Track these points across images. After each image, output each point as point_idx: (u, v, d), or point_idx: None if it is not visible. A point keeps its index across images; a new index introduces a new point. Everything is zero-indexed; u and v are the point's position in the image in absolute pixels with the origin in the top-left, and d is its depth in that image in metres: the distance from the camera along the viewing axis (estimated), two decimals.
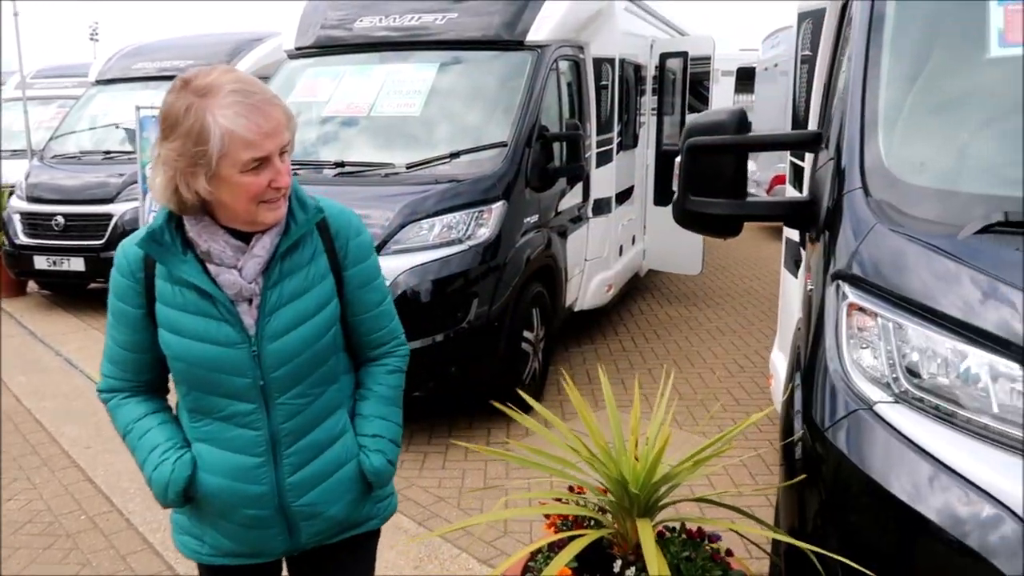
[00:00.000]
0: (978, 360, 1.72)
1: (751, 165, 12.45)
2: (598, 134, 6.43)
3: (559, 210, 5.74)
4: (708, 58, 7.72)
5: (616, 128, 6.84)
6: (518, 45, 5.47)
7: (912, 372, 1.82)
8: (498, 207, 4.76)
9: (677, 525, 2.31)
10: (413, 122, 5.32)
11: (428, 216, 4.62)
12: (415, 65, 5.63)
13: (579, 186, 6.10)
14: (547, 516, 2.33)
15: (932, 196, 2.10)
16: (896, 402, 1.81)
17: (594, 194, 6.45)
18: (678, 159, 2.65)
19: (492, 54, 5.53)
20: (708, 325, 7.56)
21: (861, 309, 1.97)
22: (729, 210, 2.58)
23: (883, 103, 2.33)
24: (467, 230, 4.65)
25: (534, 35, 5.46)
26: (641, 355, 6.68)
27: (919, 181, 2.16)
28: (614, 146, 6.77)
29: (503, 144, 5.03)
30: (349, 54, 5.93)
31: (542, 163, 5.24)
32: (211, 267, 1.67)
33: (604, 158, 6.59)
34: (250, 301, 1.69)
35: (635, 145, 7.76)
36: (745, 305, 8.28)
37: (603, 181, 6.57)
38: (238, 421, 1.72)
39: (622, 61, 6.85)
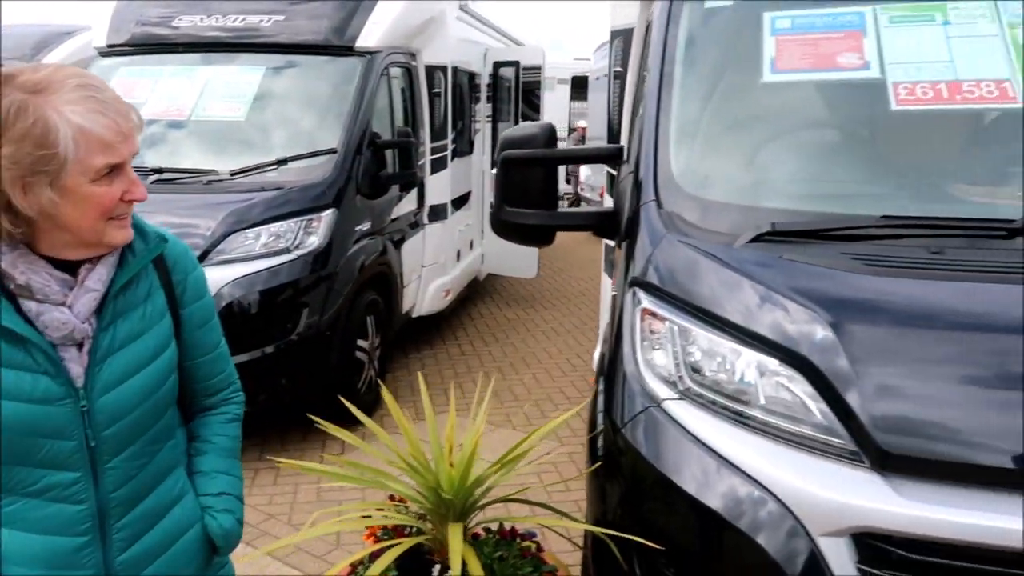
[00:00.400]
0: (748, 358, 1.91)
1: (587, 171, 12.97)
2: (432, 141, 6.48)
3: (393, 217, 5.74)
4: (539, 68, 7.98)
5: (451, 135, 6.92)
6: (347, 51, 5.42)
7: (695, 371, 1.99)
8: (328, 215, 4.69)
9: (495, 526, 2.39)
10: (238, 127, 5.14)
11: (254, 225, 4.48)
12: (240, 68, 5.44)
13: (414, 193, 6.13)
14: (368, 527, 2.35)
15: (715, 208, 2.31)
16: (681, 399, 1.98)
17: (429, 200, 6.50)
18: (493, 171, 2.75)
19: (321, 59, 5.44)
20: (544, 326, 7.80)
21: (653, 314, 2.13)
22: (541, 220, 2.71)
23: (674, 121, 2.53)
24: (295, 239, 4.55)
25: (364, 41, 5.42)
26: (479, 358, 6.80)
27: (704, 194, 2.36)
28: (449, 153, 6.85)
29: (332, 151, 4.97)
30: (168, 54, 5.64)
31: (374, 170, 5.22)
32: (28, 305, 1.38)
33: (439, 164, 6.65)
34: (80, 345, 1.42)
35: (471, 151, 7.88)
36: (579, 306, 8.62)
37: (438, 187, 6.63)
38: (55, 495, 1.43)
39: (455, 69, 6.95)
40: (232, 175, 4.82)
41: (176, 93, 5.32)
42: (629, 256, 2.37)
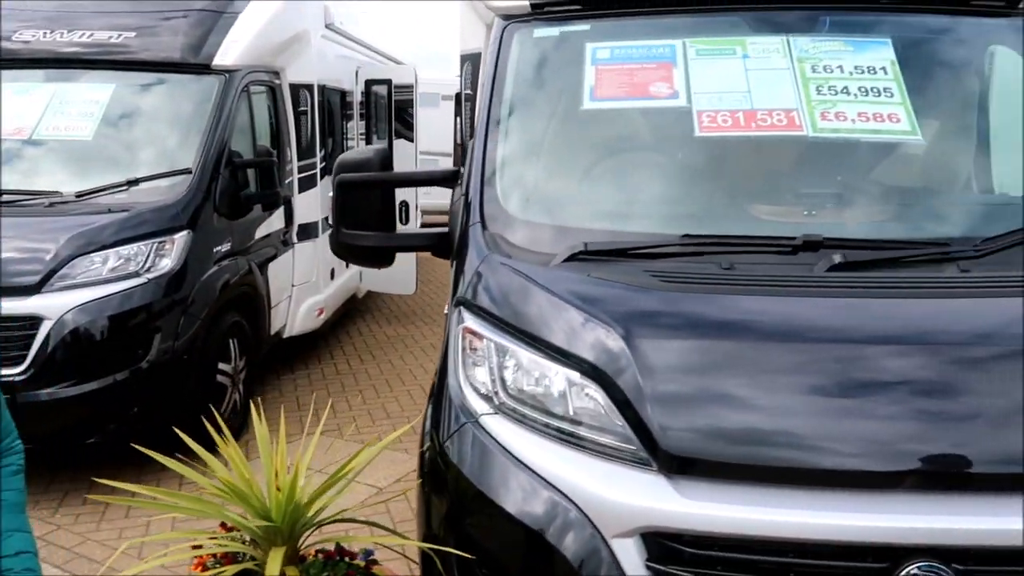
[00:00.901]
0: (555, 373, 2.02)
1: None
2: (300, 159, 6.42)
3: (258, 236, 5.65)
4: (411, 86, 8.03)
5: (319, 153, 6.87)
6: (204, 69, 5.31)
7: (509, 386, 2.09)
8: (182, 237, 4.58)
9: (333, 546, 2.41)
10: (85, 147, 4.94)
11: (101, 248, 4.32)
12: (88, 86, 5.23)
13: (280, 211, 6.05)
14: (196, 557, 2.32)
15: (536, 229, 2.43)
16: (496, 413, 2.07)
17: (299, 219, 6.43)
18: (330, 194, 2.78)
19: (176, 77, 5.31)
20: (423, 342, 7.83)
21: (473, 332, 2.22)
22: (378, 242, 2.76)
23: (500, 146, 2.64)
24: (147, 262, 4.41)
25: (221, 59, 5.33)
26: (355, 377, 6.75)
27: (526, 216, 2.48)
28: (318, 171, 6.80)
29: (187, 171, 4.85)
30: (9, 70, 5.35)
31: (233, 190, 5.13)
32: None
33: (308, 183, 6.59)
34: None
35: None
36: None
37: (308, 206, 6.57)
38: None
39: (323, 87, 6.91)
40: (78, 197, 4.63)
41: (14, 111, 5.06)
42: (456, 276, 2.46)
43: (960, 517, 1.74)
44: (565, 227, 2.41)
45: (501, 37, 2.96)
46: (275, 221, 5.95)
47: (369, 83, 8.14)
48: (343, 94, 7.78)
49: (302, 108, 6.44)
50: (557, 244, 2.31)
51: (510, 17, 3.00)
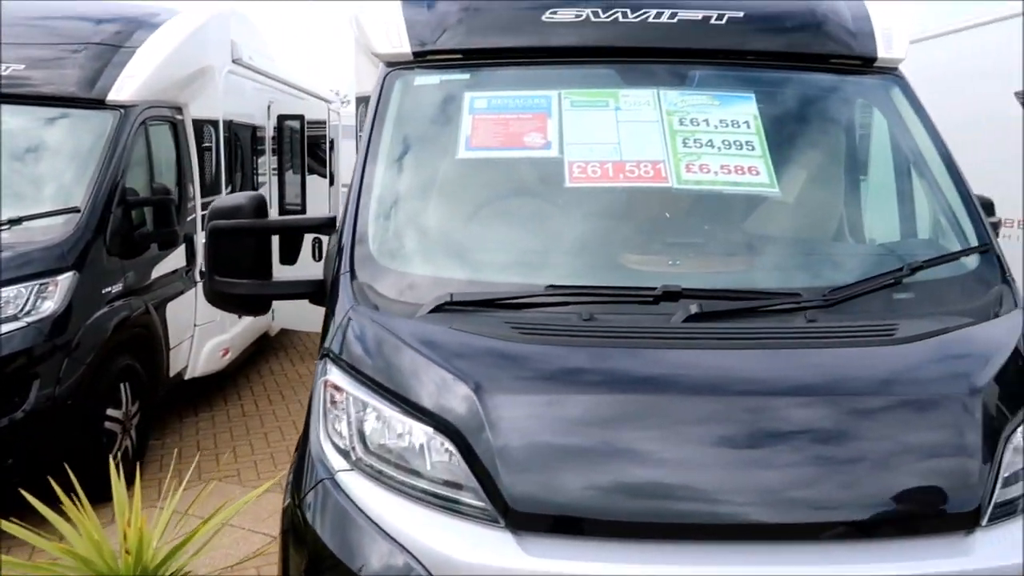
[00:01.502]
0: (411, 428, 2.01)
1: None
2: (204, 196, 6.28)
3: (155, 276, 5.48)
4: (324, 122, 7.99)
5: (225, 189, 6.74)
6: (99, 104, 5.17)
7: (367, 441, 2.06)
8: (66, 278, 4.41)
9: None
10: None
11: None
12: None
13: (181, 249, 5.89)
14: None
15: (405, 280, 2.42)
16: (352, 470, 2.04)
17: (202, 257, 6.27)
18: (203, 241, 2.72)
19: (70, 112, 5.15)
20: None
21: (335, 385, 2.19)
22: (252, 290, 2.70)
23: (375, 192, 2.64)
24: (27, 304, 4.23)
25: (116, 95, 5.20)
26: (261, 419, 6.58)
27: (396, 266, 2.47)
28: None
29: (75, 210, 4.69)
30: None
31: (126, 229, 4.99)
32: None
33: None
34: None
35: None
36: None
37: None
38: None
39: (230, 123, 6.80)
40: None
41: None
42: (324, 327, 2.43)
43: (801, 566, 1.79)
44: (434, 277, 2.41)
45: (383, 83, 2.97)
46: (175, 260, 5.79)
47: (282, 118, 8.06)
48: (254, 129, 7.68)
49: (206, 144, 6.32)
50: (425, 295, 2.31)
51: (393, 64, 3.02)
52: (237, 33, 6.91)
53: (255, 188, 7.73)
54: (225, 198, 2.77)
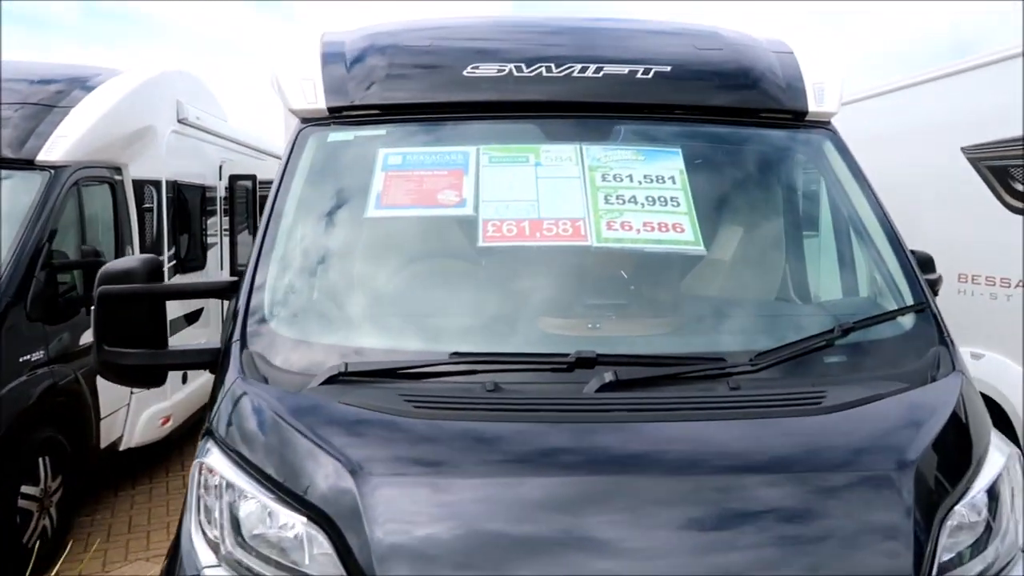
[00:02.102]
0: (284, 518, 1.79)
1: None
2: None
3: (85, 342, 5.22)
4: None
5: (169, 251, 6.54)
6: (28, 164, 4.99)
7: (239, 534, 1.84)
8: None
9: None
10: None
11: None
12: None
13: None
14: None
15: (300, 348, 2.23)
16: (219, 566, 1.81)
17: None
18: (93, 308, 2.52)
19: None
20: None
21: (209, 468, 1.97)
22: (145, 360, 2.49)
23: (276, 255, 2.46)
24: None
25: (47, 155, 5.03)
26: None
27: (291, 333, 2.28)
28: (165, 270, 6.44)
29: None
30: None
31: (50, 293, 4.75)
32: None
33: None
34: None
35: (203, 267, 7.50)
36: None
37: None
38: None
39: (175, 183, 6.64)
40: None
41: None
42: (210, 401, 2.22)
43: None
44: (331, 346, 2.22)
45: (295, 139, 2.83)
46: None
47: (234, 179, 7.92)
48: (204, 190, 7.51)
49: (147, 205, 6.14)
50: (320, 365, 2.12)
51: (309, 120, 2.89)
52: (184, 93, 6.80)
53: (204, 249, 7.52)
54: (116, 261, 2.57)
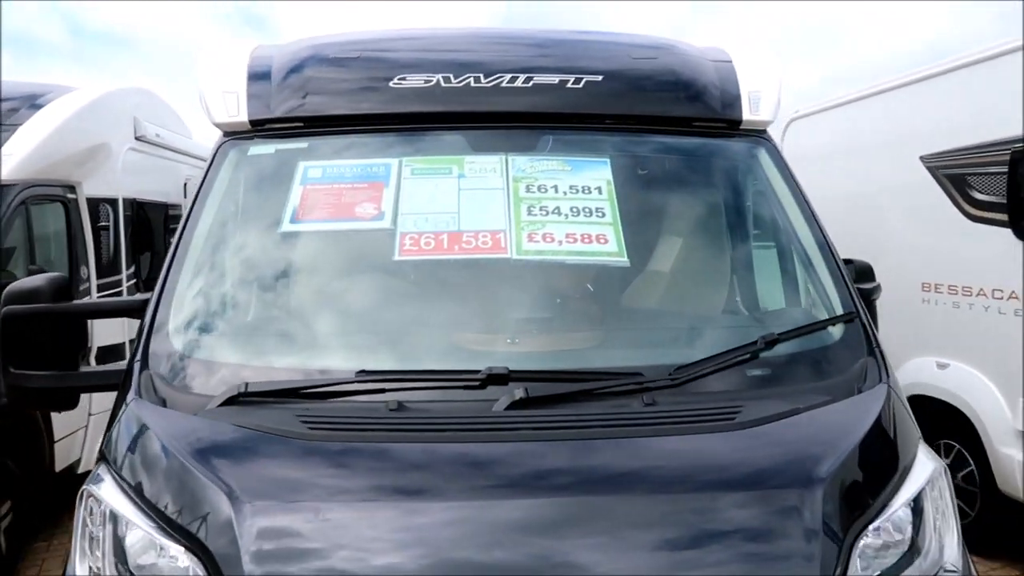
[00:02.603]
0: (163, 548, 1.70)
1: None
2: (100, 277, 5.97)
3: None
4: None
5: (128, 270, 6.43)
6: None
7: (125, 564, 1.75)
8: None
9: None
10: None
11: None
12: None
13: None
14: None
15: (200, 369, 2.14)
16: None
17: (98, 341, 5.90)
18: None
19: None
20: None
21: (94, 496, 1.88)
22: (53, 383, 2.40)
23: (185, 272, 2.38)
24: None
25: None
26: None
27: (194, 353, 2.20)
28: (124, 289, 6.34)
29: None
30: None
31: None
32: None
33: None
34: None
35: None
36: None
37: (110, 325, 6.06)
38: None
39: (133, 201, 6.54)
40: None
41: None
42: (108, 425, 2.13)
43: None
44: (233, 365, 2.14)
45: (215, 153, 2.75)
46: None
47: None
48: (168, 207, 7.42)
49: (103, 223, 6.04)
50: (219, 386, 2.04)
51: (231, 133, 2.81)
52: (141, 110, 6.72)
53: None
54: (23, 280, 2.48)
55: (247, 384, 1.99)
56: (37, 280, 2.46)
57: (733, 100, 2.87)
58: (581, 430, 1.88)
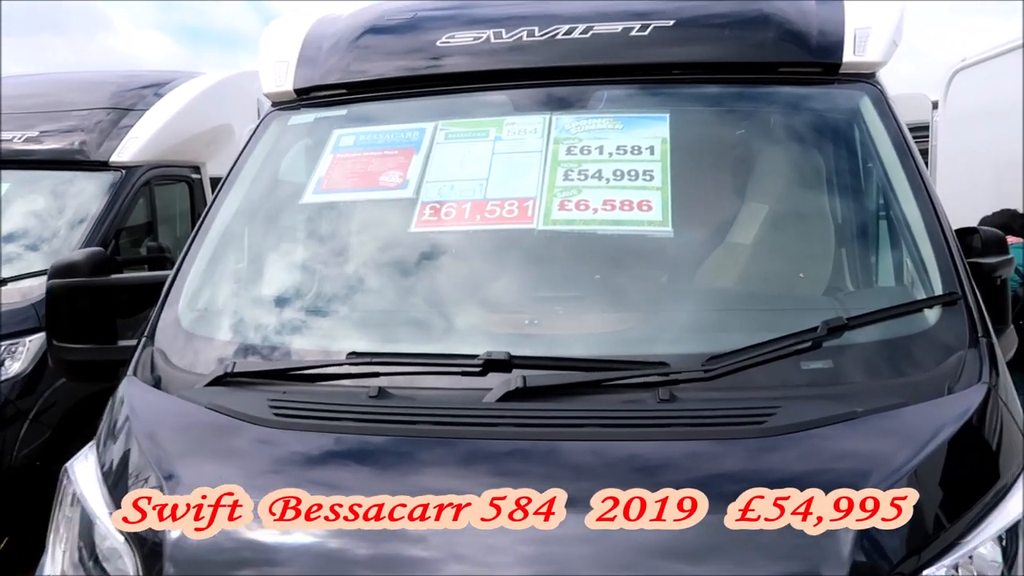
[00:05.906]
0: (107, 539, 1.61)
1: None
2: None
3: None
4: None
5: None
6: (102, 166, 5.21)
7: (82, 547, 1.67)
8: (34, 340, 4.34)
9: None
10: None
11: None
12: None
13: None
14: None
15: (200, 346, 2.06)
16: None
17: None
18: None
19: (74, 175, 5.22)
20: None
21: (67, 475, 1.83)
22: (91, 356, 2.41)
23: (207, 245, 2.31)
24: None
25: (119, 156, 5.23)
26: None
27: (199, 330, 2.11)
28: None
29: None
30: None
31: None
32: None
33: None
34: None
35: None
36: None
37: None
38: None
39: None
40: None
41: None
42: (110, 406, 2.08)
43: None
44: (230, 343, 2.02)
45: (258, 125, 2.67)
46: None
47: None
48: None
49: None
50: (212, 364, 1.93)
51: (279, 103, 2.72)
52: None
53: None
54: (65, 256, 2.51)
55: (234, 364, 1.87)
56: (77, 255, 2.47)
57: (833, 39, 2.40)
58: (574, 429, 1.59)
